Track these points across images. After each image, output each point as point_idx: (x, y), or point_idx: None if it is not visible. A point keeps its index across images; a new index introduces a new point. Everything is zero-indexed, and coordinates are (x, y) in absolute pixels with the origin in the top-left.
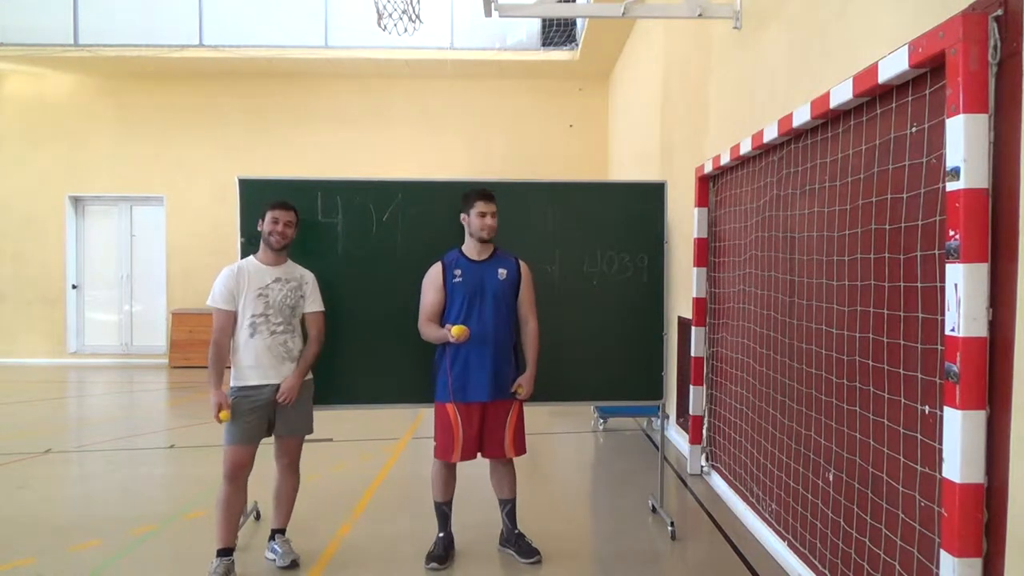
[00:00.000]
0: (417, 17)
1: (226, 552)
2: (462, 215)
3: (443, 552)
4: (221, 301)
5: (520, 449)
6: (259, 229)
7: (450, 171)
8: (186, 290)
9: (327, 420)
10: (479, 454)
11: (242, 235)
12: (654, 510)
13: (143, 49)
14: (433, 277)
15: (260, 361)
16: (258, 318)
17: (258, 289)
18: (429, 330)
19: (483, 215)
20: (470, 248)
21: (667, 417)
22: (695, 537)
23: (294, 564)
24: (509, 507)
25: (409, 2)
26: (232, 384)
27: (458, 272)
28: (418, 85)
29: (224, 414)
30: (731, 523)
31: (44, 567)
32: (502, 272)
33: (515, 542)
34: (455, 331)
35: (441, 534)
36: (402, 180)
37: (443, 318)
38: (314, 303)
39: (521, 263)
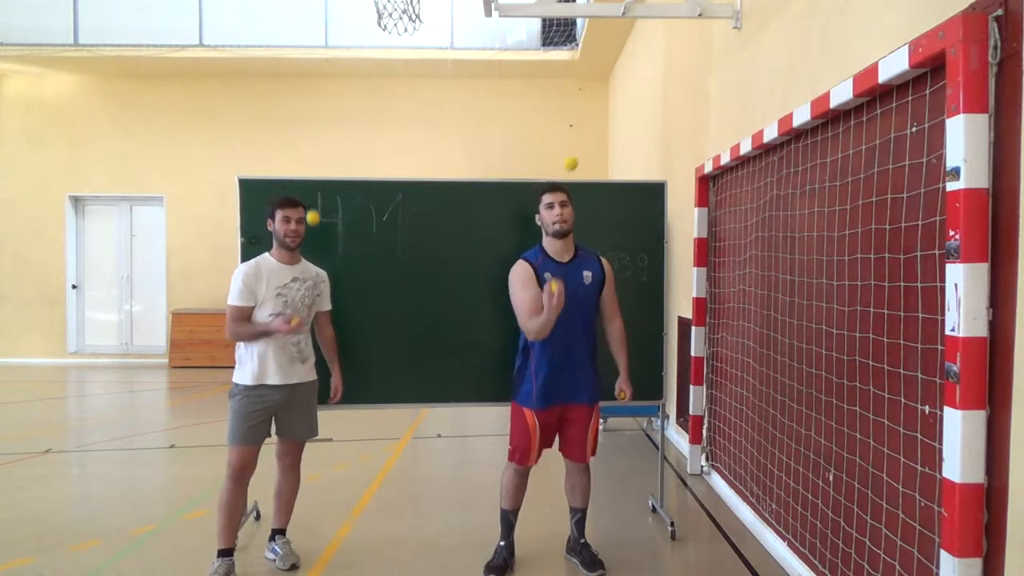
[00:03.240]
0: (417, 17)
1: (227, 552)
2: (536, 217)
3: (503, 562)
4: (239, 299)
5: (595, 451)
6: (269, 229)
7: (450, 171)
8: (186, 290)
9: (327, 420)
10: (559, 451)
11: (242, 235)
12: (654, 510)
13: (143, 49)
14: (528, 274)
15: (273, 361)
16: (276, 317)
17: (277, 288)
18: (537, 320)
19: (551, 205)
20: (552, 248)
21: (667, 417)
22: (695, 537)
23: (294, 567)
24: (579, 516)
25: (409, 2)
26: (240, 382)
27: (548, 276)
28: (418, 85)
29: (295, 319)
30: (731, 523)
31: (44, 567)
32: (587, 275)
33: (580, 552)
34: (555, 287)
35: (503, 543)
36: (402, 180)
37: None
38: (328, 302)
39: (604, 261)
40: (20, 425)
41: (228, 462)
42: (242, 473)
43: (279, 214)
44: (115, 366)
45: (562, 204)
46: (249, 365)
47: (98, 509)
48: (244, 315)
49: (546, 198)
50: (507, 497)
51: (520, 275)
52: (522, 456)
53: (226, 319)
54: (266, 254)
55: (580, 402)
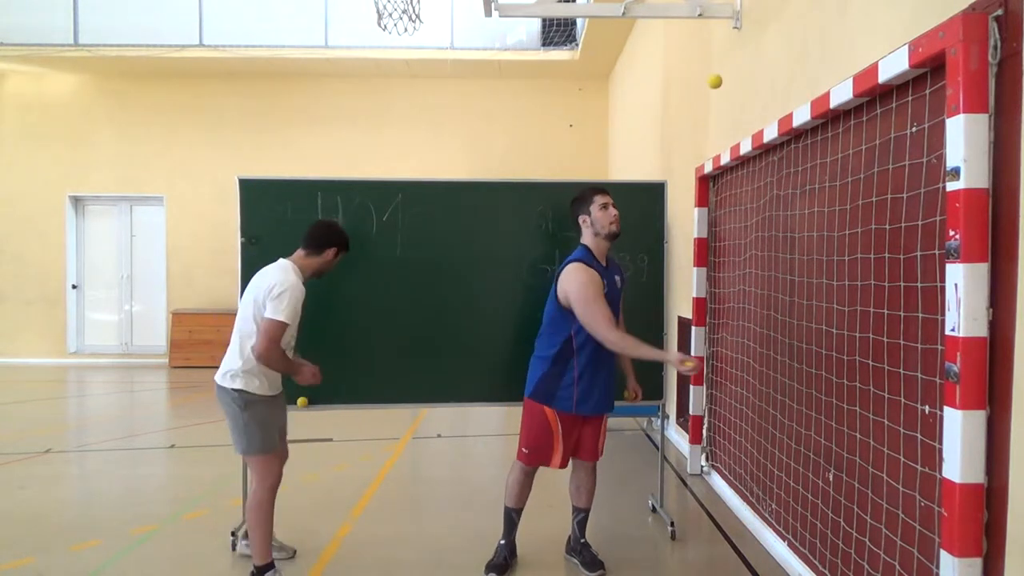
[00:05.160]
0: (417, 17)
1: (270, 566)
2: (580, 217)
3: (504, 561)
4: (292, 317)
5: (602, 452)
6: (321, 253)
7: (450, 171)
8: (186, 290)
9: (327, 420)
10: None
11: (242, 235)
12: (654, 510)
13: (143, 49)
14: (599, 281)
15: (274, 374)
16: (293, 339)
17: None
18: (641, 350)
19: (605, 207)
20: (599, 250)
21: (667, 417)
22: (695, 537)
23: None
24: (582, 516)
25: (409, 2)
26: (258, 392)
27: (605, 283)
28: (418, 85)
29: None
30: (731, 523)
31: (44, 567)
32: (618, 280)
33: (580, 552)
34: (691, 364)
35: (503, 541)
36: (402, 180)
37: (565, 327)
38: None
39: (622, 266)
40: (20, 425)
41: (263, 473)
42: (277, 481)
43: (334, 251)
44: (115, 366)
45: (614, 205)
46: (265, 379)
47: (98, 509)
48: (284, 332)
49: (600, 199)
50: (512, 496)
51: (596, 283)
52: (540, 458)
53: (270, 336)
54: (296, 268)
55: (605, 409)
